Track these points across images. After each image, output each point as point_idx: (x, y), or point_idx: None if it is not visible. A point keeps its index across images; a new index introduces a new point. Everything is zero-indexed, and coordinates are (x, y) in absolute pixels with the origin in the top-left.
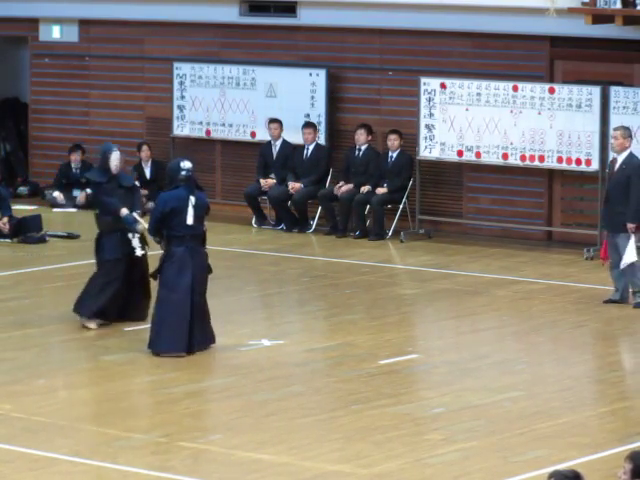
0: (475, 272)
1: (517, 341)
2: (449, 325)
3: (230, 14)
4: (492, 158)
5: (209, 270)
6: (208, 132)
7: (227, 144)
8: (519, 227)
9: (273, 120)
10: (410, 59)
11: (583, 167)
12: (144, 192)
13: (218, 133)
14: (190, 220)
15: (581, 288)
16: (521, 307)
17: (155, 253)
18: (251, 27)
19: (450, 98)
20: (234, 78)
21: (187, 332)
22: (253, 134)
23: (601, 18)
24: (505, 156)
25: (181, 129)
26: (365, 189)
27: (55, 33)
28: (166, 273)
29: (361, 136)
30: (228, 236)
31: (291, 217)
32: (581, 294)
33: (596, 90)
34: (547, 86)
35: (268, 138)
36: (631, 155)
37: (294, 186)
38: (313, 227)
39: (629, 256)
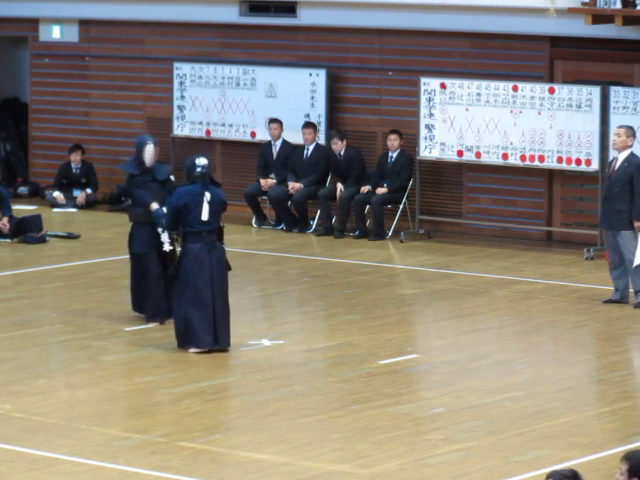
0: (475, 272)
1: (517, 341)
2: (449, 325)
3: (230, 14)
4: (492, 158)
5: (228, 267)
6: (208, 132)
7: (227, 144)
8: (519, 227)
9: (273, 120)
10: (410, 59)
11: (583, 167)
12: None
13: (218, 133)
14: (205, 216)
15: (581, 288)
16: (521, 307)
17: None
18: (251, 27)
19: (450, 98)
20: (234, 78)
21: (212, 327)
22: (253, 134)
23: (601, 18)
24: (505, 156)
25: (181, 129)
26: (365, 189)
27: (55, 33)
28: (185, 270)
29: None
30: (228, 236)
31: (291, 217)
32: (581, 294)
33: (596, 90)
34: (547, 86)
35: (268, 138)
36: (632, 154)
37: (294, 186)
38: (313, 227)
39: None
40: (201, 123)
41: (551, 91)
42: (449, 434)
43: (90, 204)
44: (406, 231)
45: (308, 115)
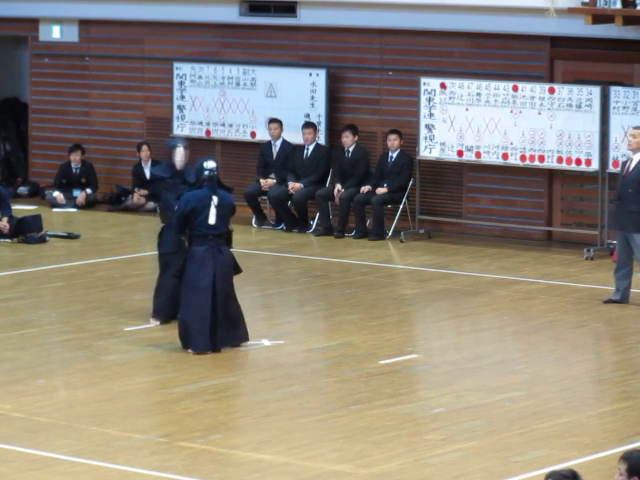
0: (475, 272)
1: (517, 341)
2: (449, 325)
3: (230, 14)
4: (492, 158)
5: (237, 270)
6: (208, 132)
7: (227, 144)
8: (519, 227)
9: (273, 120)
10: (410, 59)
11: (583, 167)
12: (144, 192)
13: (218, 133)
14: (212, 220)
15: (581, 288)
16: (521, 307)
17: None
18: (251, 27)
19: (450, 98)
20: (234, 78)
21: (207, 331)
22: (253, 134)
23: (601, 18)
24: (505, 156)
25: (181, 129)
26: (365, 189)
27: (55, 33)
28: (187, 272)
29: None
30: None
31: (291, 217)
32: (581, 294)
33: (596, 90)
34: (547, 86)
35: (268, 138)
36: None
37: (294, 186)
38: (313, 227)
39: None
40: (201, 123)
41: (551, 91)
42: (449, 434)
43: (90, 204)
44: (406, 231)
45: (308, 115)
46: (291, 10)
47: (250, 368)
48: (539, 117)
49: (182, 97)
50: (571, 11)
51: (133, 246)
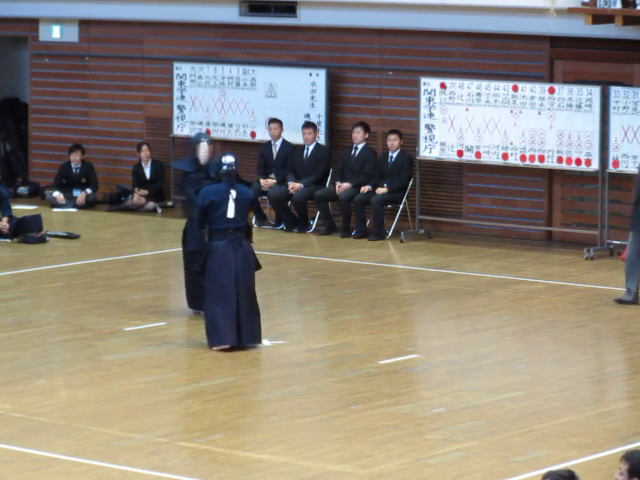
0: (475, 272)
1: (517, 341)
2: (449, 325)
3: (230, 14)
4: (492, 158)
5: (257, 266)
6: (208, 132)
7: (227, 144)
8: (519, 227)
9: (273, 120)
10: (410, 59)
11: (583, 167)
12: (144, 192)
13: (218, 133)
14: (231, 214)
15: (581, 288)
16: (521, 307)
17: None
18: (251, 27)
19: (450, 98)
20: (234, 78)
21: (235, 325)
22: (253, 134)
23: (601, 18)
24: (505, 156)
25: (181, 129)
26: (365, 189)
27: (55, 33)
28: (210, 267)
29: (358, 134)
30: None
31: (291, 217)
32: (581, 294)
33: (596, 90)
34: (547, 86)
35: (268, 138)
36: None
37: (294, 186)
38: (313, 227)
39: None
40: (201, 123)
41: (551, 91)
42: (449, 434)
43: (90, 204)
44: (406, 231)
45: (308, 115)
46: (291, 10)
47: (250, 368)
48: (539, 117)
49: (182, 97)
50: (571, 11)
51: (133, 246)
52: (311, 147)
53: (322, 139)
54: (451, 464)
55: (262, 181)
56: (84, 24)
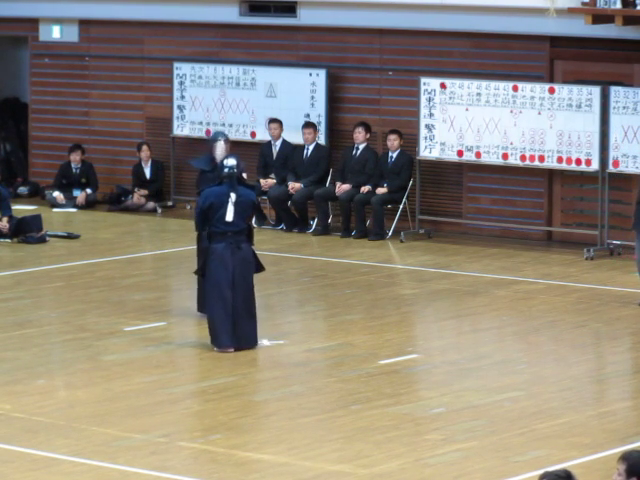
0: (475, 272)
1: (517, 341)
2: (449, 325)
3: (230, 14)
4: (492, 158)
5: (260, 268)
6: (208, 132)
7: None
8: (519, 227)
9: (273, 120)
10: (410, 59)
11: (583, 167)
12: (143, 192)
13: None
14: (230, 217)
15: (581, 288)
16: (521, 307)
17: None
18: (251, 27)
19: (450, 98)
20: (234, 78)
21: (231, 328)
22: (253, 134)
23: (601, 18)
24: (505, 156)
25: (181, 129)
26: (365, 189)
27: (55, 33)
28: (209, 270)
29: (359, 134)
30: None
31: (291, 217)
32: (581, 294)
33: (596, 90)
34: (547, 86)
35: (268, 138)
36: None
37: (294, 186)
38: (313, 227)
39: None
40: (201, 123)
41: (551, 91)
42: (449, 434)
43: (90, 204)
44: (406, 231)
45: (308, 115)
46: (291, 10)
47: (250, 368)
48: (539, 117)
49: (182, 97)
50: (571, 11)
51: (133, 246)
52: (311, 147)
53: (322, 139)
54: (451, 464)
55: (262, 181)
56: (84, 24)
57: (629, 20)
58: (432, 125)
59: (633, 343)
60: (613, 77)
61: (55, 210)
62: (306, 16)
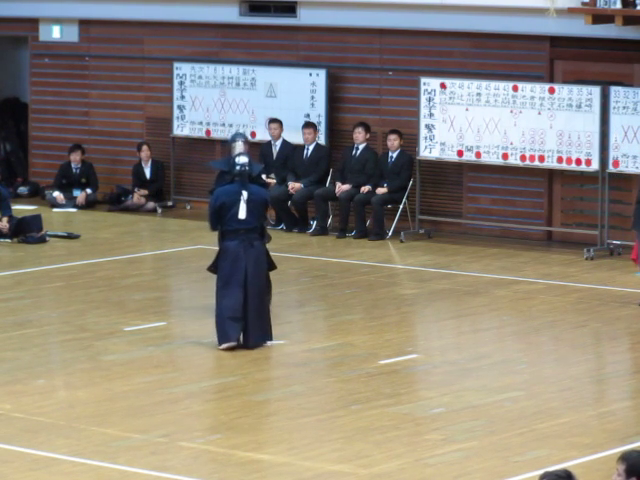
0: (475, 272)
1: (517, 341)
2: (449, 325)
3: (230, 14)
4: (492, 158)
5: (272, 266)
6: (208, 132)
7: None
8: (519, 227)
9: (273, 120)
10: (410, 59)
11: (583, 167)
12: (143, 192)
13: (218, 133)
14: (242, 215)
15: (581, 288)
16: (521, 307)
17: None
18: (251, 27)
19: (450, 98)
20: (234, 78)
21: (241, 324)
22: (253, 134)
23: (601, 18)
24: (505, 156)
25: (181, 129)
26: (365, 189)
27: (55, 33)
28: (221, 267)
29: (359, 135)
30: None
31: (291, 217)
32: (581, 294)
33: (596, 90)
34: (547, 86)
35: (268, 138)
36: None
37: (294, 186)
38: (313, 227)
39: None
40: (201, 123)
41: (551, 91)
42: (449, 434)
43: (90, 204)
44: (406, 231)
45: (308, 115)
46: (291, 10)
47: (250, 368)
48: (539, 117)
49: (182, 97)
50: (571, 11)
51: (133, 246)
52: (311, 147)
53: (322, 139)
54: (451, 464)
55: None
56: (84, 24)
57: (629, 20)
58: (432, 125)
59: (633, 343)
60: (613, 77)
61: (55, 210)
62: (306, 16)
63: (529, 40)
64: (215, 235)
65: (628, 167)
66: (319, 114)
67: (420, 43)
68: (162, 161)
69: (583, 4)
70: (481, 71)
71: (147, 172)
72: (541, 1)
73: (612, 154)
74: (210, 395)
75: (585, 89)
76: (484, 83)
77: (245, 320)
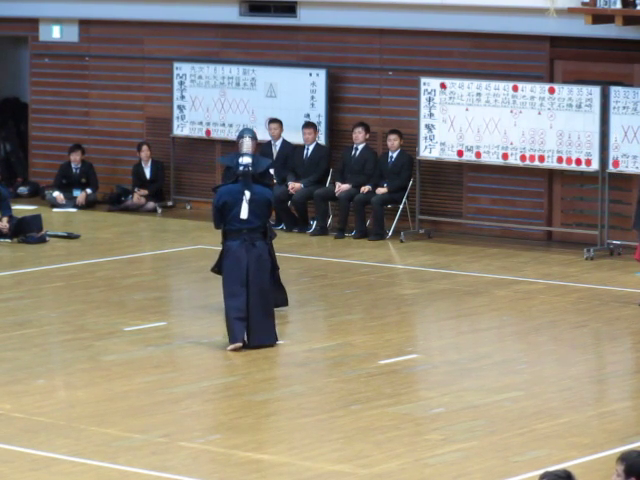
0: (475, 272)
1: (517, 341)
2: (449, 325)
3: (230, 14)
4: (492, 158)
5: (275, 266)
6: (208, 132)
7: (227, 144)
8: (519, 227)
9: (273, 120)
10: (410, 59)
11: (583, 167)
12: (143, 192)
13: (218, 133)
14: (244, 214)
15: (581, 288)
16: (521, 307)
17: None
18: (251, 27)
19: (450, 98)
20: (234, 78)
21: (244, 324)
22: None
23: (601, 18)
24: (505, 156)
25: (181, 129)
26: (365, 189)
27: (55, 33)
28: (224, 267)
29: (359, 135)
30: None
31: (291, 217)
32: (581, 294)
33: (596, 90)
34: (547, 86)
35: (268, 138)
36: None
37: (294, 186)
38: (313, 227)
39: None
40: (201, 123)
41: (551, 91)
42: (449, 434)
43: (90, 204)
44: (406, 231)
45: (308, 115)
46: (291, 10)
47: (250, 368)
48: (539, 117)
49: (182, 97)
50: (571, 11)
51: (133, 246)
52: (311, 147)
53: (322, 139)
54: (451, 464)
55: None
56: (84, 24)
57: (629, 20)
58: (432, 125)
59: (633, 343)
60: (613, 77)
61: (55, 210)
62: (306, 16)
63: (529, 40)
64: (217, 234)
65: (628, 167)
66: (319, 114)
67: (420, 43)
68: (162, 161)
69: (583, 4)
70: (481, 71)
71: (147, 172)
72: (541, 1)
73: (612, 154)
74: (210, 395)
75: (585, 89)
76: (484, 83)
77: (248, 320)
